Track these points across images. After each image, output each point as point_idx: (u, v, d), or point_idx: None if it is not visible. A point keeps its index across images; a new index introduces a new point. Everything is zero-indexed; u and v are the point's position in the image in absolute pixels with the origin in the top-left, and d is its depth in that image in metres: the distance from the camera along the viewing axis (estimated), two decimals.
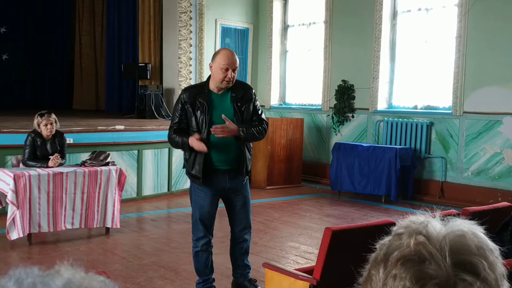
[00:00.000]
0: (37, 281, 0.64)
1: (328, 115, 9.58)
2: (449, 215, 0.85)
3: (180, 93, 3.93)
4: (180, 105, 3.81)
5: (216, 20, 10.09)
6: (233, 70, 3.74)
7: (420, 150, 8.23)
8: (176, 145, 3.89)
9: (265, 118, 4.00)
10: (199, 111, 3.75)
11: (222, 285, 4.20)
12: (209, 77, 3.87)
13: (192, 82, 9.95)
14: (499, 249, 0.80)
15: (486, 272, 0.75)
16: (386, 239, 0.83)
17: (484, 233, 0.81)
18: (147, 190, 7.83)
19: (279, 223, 6.63)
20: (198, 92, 3.81)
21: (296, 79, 10.59)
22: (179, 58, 9.89)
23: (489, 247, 0.79)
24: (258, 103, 4.00)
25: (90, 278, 0.67)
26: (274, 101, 10.70)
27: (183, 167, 4.12)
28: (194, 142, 3.71)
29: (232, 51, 3.89)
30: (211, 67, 3.79)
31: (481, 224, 0.82)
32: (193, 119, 3.76)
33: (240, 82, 3.99)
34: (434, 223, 0.81)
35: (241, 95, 3.85)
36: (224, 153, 3.83)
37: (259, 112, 3.97)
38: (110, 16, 12.75)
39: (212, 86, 3.82)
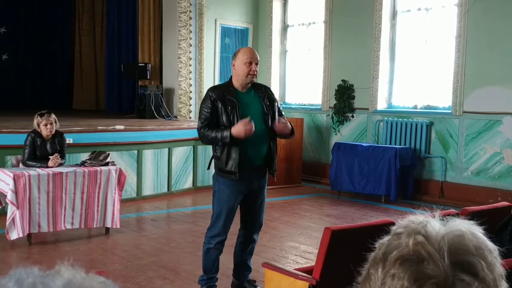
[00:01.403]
0: (37, 281, 0.64)
1: (328, 115, 9.58)
2: (448, 215, 0.85)
3: (206, 93, 3.94)
4: (209, 103, 3.81)
5: (216, 20, 10.08)
6: (256, 64, 3.81)
7: (420, 150, 8.23)
8: (211, 140, 3.81)
9: None
10: (229, 107, 3.78)
11: (222, 285, 4.20)
12: (231, 77, 3.93)
13: (192, 82, 9.96)
14: (498, 249, 0.80)
15: (485, 272, 0.75)
16: (385, 239, 0.83)
17: (483, 233, 0.81)
18: (147, 190, 7.83)
19: (279, 223, 6.63)
20: (225, 90, 3.86)
21: (296, 79, 10.59)
22: (179, 58, 9.89)
23: (488, 247, 0.79)
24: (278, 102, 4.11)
25: (91, 278, 0.68)
26: None
27: (208, 168, 4.17)
28: (238, 127, 3.65)
29: (252, 48, 3.94)
30: (233, 65, 3.86)
31: (480, 224, 0.82)
32: (224, 115, 3.77)
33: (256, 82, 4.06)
34: (433, 223, 0.81)
35: (266, 94, 3.93)
36: (258, 148, 3.87)
37: (283, 113, 4.06)
38: (110, 16, 12.75)
39: (237, 84, 3.87)
